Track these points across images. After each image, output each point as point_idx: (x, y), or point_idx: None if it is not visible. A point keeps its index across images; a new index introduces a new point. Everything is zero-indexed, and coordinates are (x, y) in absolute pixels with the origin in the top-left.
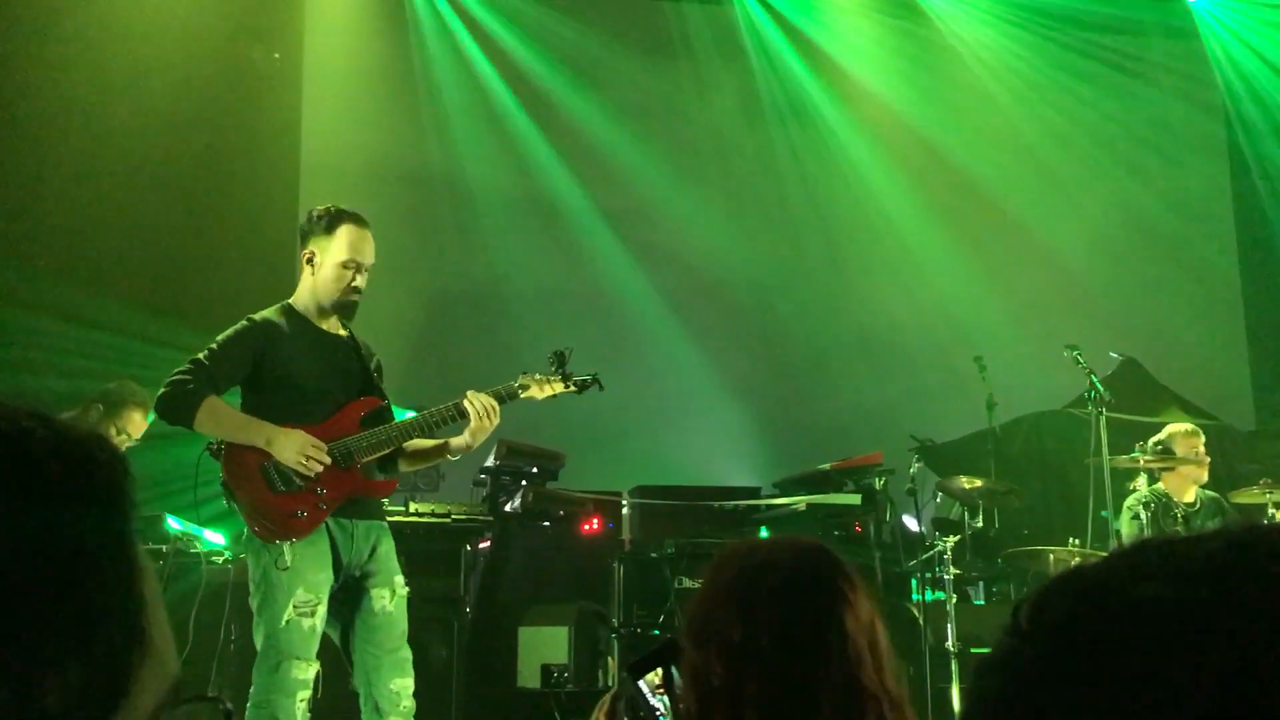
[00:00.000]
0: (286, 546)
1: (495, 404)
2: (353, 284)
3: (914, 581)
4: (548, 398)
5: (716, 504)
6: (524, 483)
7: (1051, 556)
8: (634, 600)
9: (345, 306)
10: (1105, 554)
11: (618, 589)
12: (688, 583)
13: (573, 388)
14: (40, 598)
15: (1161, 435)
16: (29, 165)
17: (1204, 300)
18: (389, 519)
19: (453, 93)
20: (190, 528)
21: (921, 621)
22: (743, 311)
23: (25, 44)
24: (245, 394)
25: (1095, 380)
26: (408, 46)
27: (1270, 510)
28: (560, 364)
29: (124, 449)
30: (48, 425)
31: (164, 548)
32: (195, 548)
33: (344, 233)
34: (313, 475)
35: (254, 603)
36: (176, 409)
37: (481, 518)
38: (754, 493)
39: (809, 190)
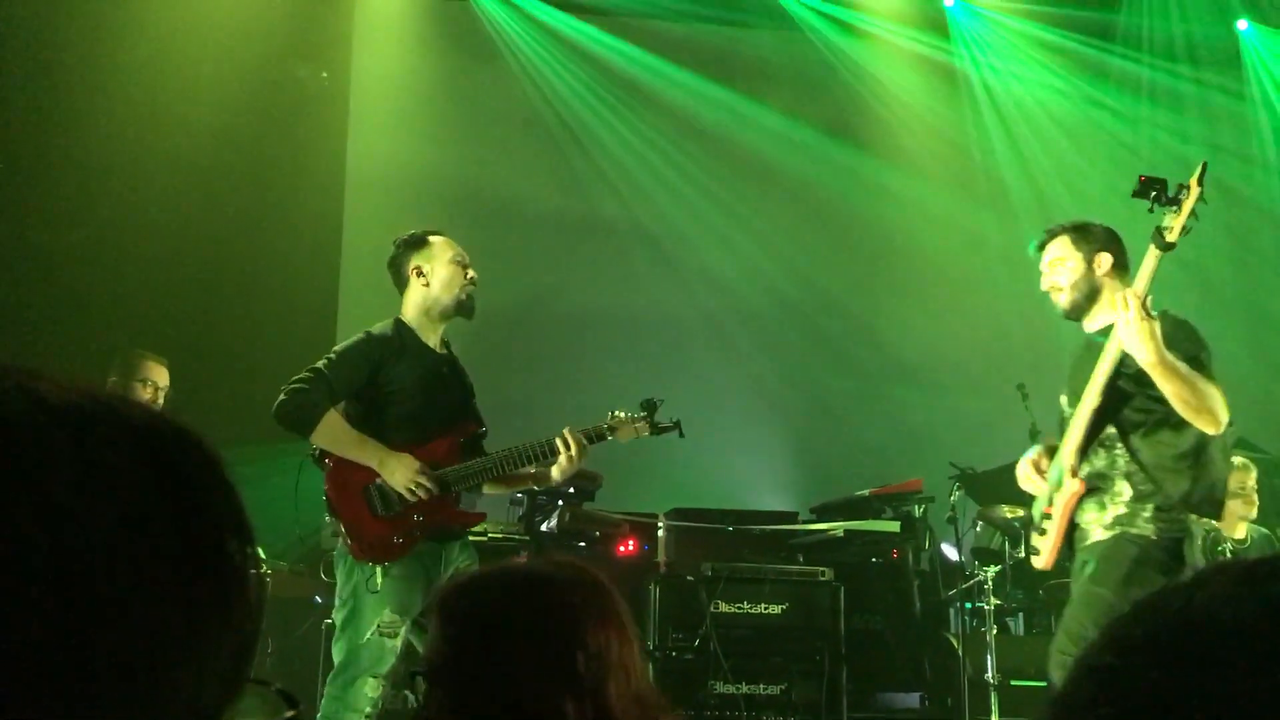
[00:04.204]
0: (379, 569)
1: (586, 444)
2: (470, 275)
3: (952, 611)
4: (629, 440)
5: (753, 529)
6: (560, 503)
7: None
8: (669, 623)
9: (467, 304)
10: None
11: (653, 612)
12: (724, 606)
13: (653, 433)
14: (159, 613)
15: None
16: (76, 184)
17: (1252, 330)
18: None
19: (498, 112)
20: None
21: (961, 652)
22: (782, 335)
23: (73, 66)
24: (351, 405)
25: None
26: (455, 67)
27: None
28: (650, 411)
29: (162, 401)
30: (124, 409)
31: None
32: None
33: (438, 239)
34: (415, 501)
35: (338, 617)
36: (299, 419)
37: (517, 537)
38: (791, 518)
39: (850, 214)
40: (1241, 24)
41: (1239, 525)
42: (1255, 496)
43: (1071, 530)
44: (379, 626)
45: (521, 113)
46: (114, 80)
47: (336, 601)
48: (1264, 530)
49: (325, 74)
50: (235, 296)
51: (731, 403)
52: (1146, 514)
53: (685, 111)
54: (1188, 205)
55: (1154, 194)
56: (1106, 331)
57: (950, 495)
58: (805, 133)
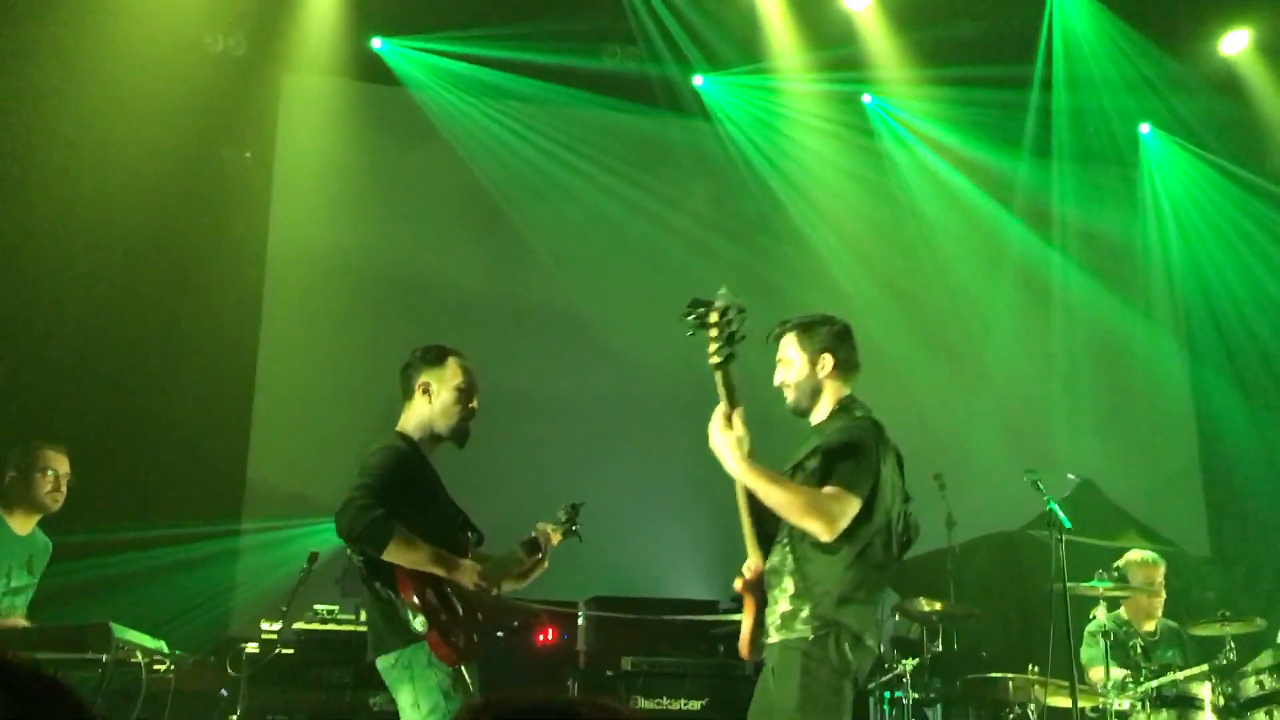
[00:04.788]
0: (464, 669)
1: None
2: (472, 405)
3: (871, 701)
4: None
5: (674, 618)
6: None
7: (1011, 684)
8: None
9: (464, 431)
10: (1065, 682)
11: None
12: (644, 703)
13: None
14: None
15: (1120, 561)
16: None
17: (1158, 425)
18: (337, 625)
19: (424, 194)
20: (131, 635)
21: None
22: (704, 420)
23: None
24: None
25: (1056, 508)
26: (380, 149)
27: (1229, 644)
28: (570, 517)
29: (64, 489)
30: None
31: (103, 657)
32: (136, 657)
33: (454, 362)
34: (478, 602)
35: None
36: (370, 536)
37: None
38: (712, 607)
39: (775, 301)
40: (1144, 128)
41: (1148, 619)
42: (1163, 590)
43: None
44: None
45: (447, 195)
46: (31, 157)
47: (409, 713)
48: (1172, 624)
49: (249, 154)
50: (149, 379)
51: (655, 489)
52: (805, 613)
53: (613, 196)
54: (711, 331)
55: (694, 316)
56: (821, 429)
57: None
58: (737, 220)
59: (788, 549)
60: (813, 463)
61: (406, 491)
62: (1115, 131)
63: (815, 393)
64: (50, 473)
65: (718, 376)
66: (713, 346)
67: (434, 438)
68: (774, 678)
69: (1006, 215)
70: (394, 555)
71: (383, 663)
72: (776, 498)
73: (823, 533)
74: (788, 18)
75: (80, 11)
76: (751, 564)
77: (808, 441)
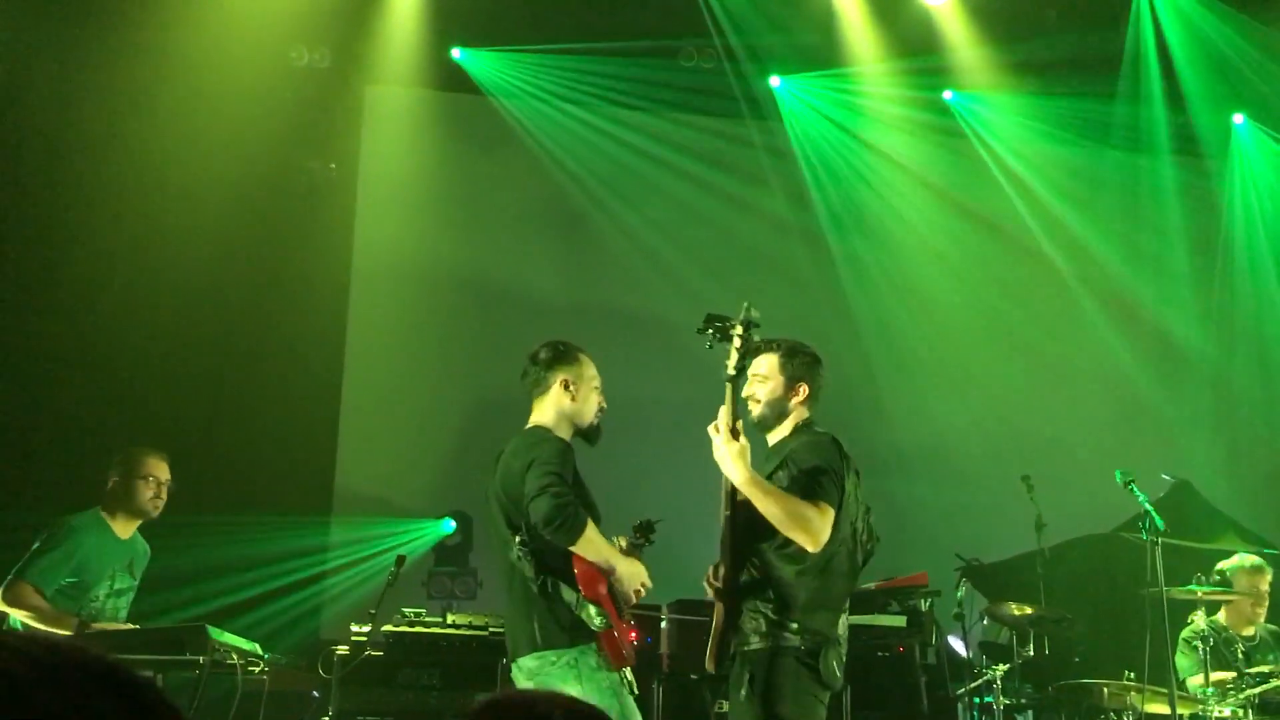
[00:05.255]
0: (629, 672)
1: None
2: (603, 404)
3: (960, 707)
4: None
5: None
6: None
7: (1105, 690)
8: None
9: (597, 430)
10: (1163, 689)
11: (656, 711)
12: (729, 707)
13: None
14: None
15: (1223, 565)
16: (82, 271)
17: (1256, 422)
18: (424, 628)
19: (505, 201)
20: (228, 638)
21: None
22: None
23: (83, 153)
24: None
25: (1151, 510)
26: (461, 157)
27: None
28: (647, 532)
29: (165, 496)
30: (91, 662)
31: (200, 658)
32: (231, 658)
33: (587, 360)
34: (628, 604)
35: None
36: (570, 527)
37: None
38: None
39: (854, 303)
40: (1237, 118)
41: (1248, 624)
42: (1266, 597)
43: (730, 635)
44: None
45: (528, 201)
46: (122, 168)
47: None
48: (1273, 627)
49: (334, 165)
50: (239, 385)
51: None
52: (794, 626)
53: (694, 199)
54: (735, 343)
55: (713, 331)
56: (780, 447)
57: (957, 589)
58: (816, 222)
59: (760, 559)
60: (781, 475)
61: (574, 484)
62: (1207, 123)
63: (782, 415)
64: (151, 480)
65: (728, 388)
66: (733, 358)
67: (574, 431)
68: (762, 685)
69: (1095, 208)
70: (583, 547)
71: (537, 660)
72: (773, 509)
73: (810, 544)
74: (865, 16)
75: (169, 25)
76: (723, 577)
77: (770, 457)
